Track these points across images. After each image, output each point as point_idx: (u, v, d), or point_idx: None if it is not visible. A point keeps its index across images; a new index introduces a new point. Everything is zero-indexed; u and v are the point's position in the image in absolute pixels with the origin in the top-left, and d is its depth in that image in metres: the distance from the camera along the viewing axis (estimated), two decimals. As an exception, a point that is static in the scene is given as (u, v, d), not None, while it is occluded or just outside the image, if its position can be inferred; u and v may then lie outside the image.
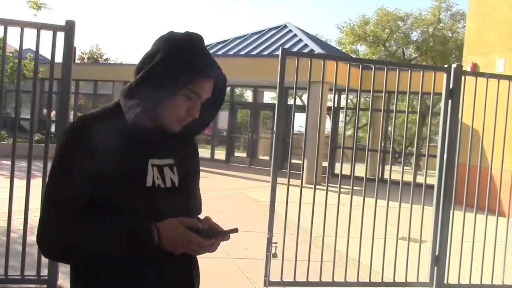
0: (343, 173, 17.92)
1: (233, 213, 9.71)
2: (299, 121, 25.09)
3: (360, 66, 10.72)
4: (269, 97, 28.72)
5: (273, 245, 5.21)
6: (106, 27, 73.39)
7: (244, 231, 8.21)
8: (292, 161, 19.49)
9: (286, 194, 5.40)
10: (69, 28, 4.45)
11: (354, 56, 24.11)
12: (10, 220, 4.51)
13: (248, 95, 33.31)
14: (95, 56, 40.29)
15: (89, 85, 22.86)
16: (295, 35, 17.79)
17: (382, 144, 17.40)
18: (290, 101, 22.55)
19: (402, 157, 5.75)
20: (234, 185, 13.86)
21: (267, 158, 20.18)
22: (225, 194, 11.73)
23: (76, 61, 36.18)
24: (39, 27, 4.46)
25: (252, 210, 10.14)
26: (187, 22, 77.71)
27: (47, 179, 1.55)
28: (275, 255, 5.18)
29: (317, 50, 16.30)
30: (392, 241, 5.50)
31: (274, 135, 5.32)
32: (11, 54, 18.59)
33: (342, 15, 69.40)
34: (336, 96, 18.40)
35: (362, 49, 28.68)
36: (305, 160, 15.57)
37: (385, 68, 5.44)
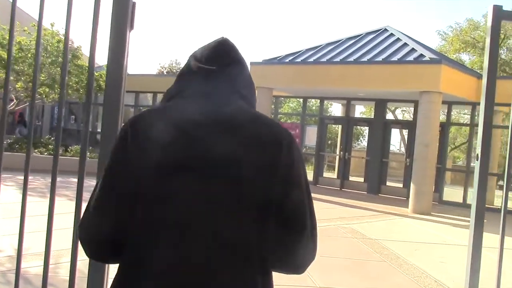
0: (452, 199, 15.17)
1: (347, 258, 7.46)
2: (393, 139, 22.61)
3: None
4: (359, 111, 26.27)
5: None
6: (187, 41, 73.53)
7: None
8: (388, 183, 16.18)
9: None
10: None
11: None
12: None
13: (335, 109, 31.08)
14: (174, 71, 40.22)
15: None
16: (398, 39, 15.35)
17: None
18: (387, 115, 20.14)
19: None
20: (330, 213, 11.58)
21: (360, 180, 17.80)
22: (324, 226, 9.51)
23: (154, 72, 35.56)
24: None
25: (368, 255, 7.84)
26: (269, 31, 76.60)
27: None
28: None
29: (428, 55, 13.84)
30: None
31: (479, 158, 3.04)
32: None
33: (436, 21, 65.26)
34: (446, 109, 15.83)
35: (467, 58, 25.66)
36: (411, 185, 13.07)
37: None
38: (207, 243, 1.34)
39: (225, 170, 1.36)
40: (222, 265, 1.35)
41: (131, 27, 2.55)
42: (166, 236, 1.35)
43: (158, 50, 75.93)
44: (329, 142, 23.43)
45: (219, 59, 1.55)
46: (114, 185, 1.43)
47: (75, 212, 2.48)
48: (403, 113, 31.84)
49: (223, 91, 1.50)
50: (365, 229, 9.78)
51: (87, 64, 16.78)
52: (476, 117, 16.64)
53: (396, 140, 29.05)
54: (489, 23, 2.85)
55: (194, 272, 1.33)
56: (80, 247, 2.40)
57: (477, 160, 2.86)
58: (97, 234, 1.43)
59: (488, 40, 2.88)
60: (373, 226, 10.38)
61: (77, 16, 2.86)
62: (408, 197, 14.59)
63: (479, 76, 16.49)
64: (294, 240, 1.42)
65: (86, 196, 2.51)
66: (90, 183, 2.41)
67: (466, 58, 26.05)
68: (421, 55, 13.75)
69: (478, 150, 2.86)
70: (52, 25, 17.17)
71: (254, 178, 1.37)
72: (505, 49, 24.95)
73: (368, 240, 8.77)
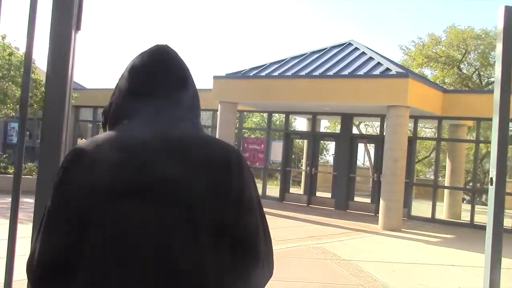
0: (420, 215, 14.98)
1: (323, 283, 6.98)
2: (359, 153, 22.34)
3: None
4: (324, 126, 26.02)
5: None
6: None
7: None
8: (356, 199, 15.85)
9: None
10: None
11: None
12: None
13: (299, 123, 30.91)
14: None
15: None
16: (363, 53, 15.15)
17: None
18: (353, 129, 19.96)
19: None
20: (299, 232, 11.14)
21: (328, 195, 17.47)
22: (294, 247, 9.05)
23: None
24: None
25: (344, 278, 7.40)
26: (239, 42, 76.44)
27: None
28: None
29: (394, 69, 13.68)
30: None
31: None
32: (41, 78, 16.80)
33: (395, 37, 66.45)
34: (412, 124, 15.65)
35: (429, 73, 25.77)
36: (381, 201, 12.78)
37: None
38: (159, 274, 1.25)
39: (175, 194, 1.30)
40: None
41: (78, 27, 2.06)
42: (116, 268, 1.25)
43: (118, 63, 74.77)
44: (293, 157, 23.10)
45: (162, 76, 1.47)
46: (57, 228, 1.30)
47: (8, 239, 2.04)
48: (366, 127, 31.89)
49: (169, 114, 1.43)
50: (338, 249, 9.37)
51: (41, 78, 16.05)
52: (442, 131, 16.59)
53: (361, 154, 28.99)
54: (500, 26, 2.46)
55: None
56: (15, 279, 2.04)
57: (491, 184, 2.46)
58: (48, 265, 1.28)
59: (499, 47, 2.49)
60: (345, 245, 9.98)
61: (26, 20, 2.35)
62: (376, 212, 14.33)
63: (444, 90, 16.49)
64: (247, 266, 1.36)
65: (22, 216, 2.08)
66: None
67: (428, 72, 26.24)
68: (387, 69, 13.57)
69: (492, 173, 2.45)
70: (3, 37, 16.34)
71: (205, 203, 1.31)
72: (466, 64, 25.22)
73: (342, 261, 8.34)
